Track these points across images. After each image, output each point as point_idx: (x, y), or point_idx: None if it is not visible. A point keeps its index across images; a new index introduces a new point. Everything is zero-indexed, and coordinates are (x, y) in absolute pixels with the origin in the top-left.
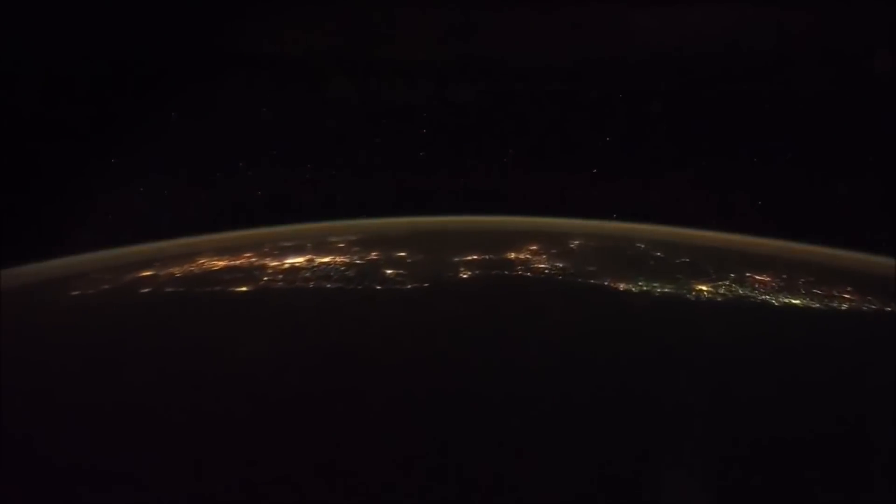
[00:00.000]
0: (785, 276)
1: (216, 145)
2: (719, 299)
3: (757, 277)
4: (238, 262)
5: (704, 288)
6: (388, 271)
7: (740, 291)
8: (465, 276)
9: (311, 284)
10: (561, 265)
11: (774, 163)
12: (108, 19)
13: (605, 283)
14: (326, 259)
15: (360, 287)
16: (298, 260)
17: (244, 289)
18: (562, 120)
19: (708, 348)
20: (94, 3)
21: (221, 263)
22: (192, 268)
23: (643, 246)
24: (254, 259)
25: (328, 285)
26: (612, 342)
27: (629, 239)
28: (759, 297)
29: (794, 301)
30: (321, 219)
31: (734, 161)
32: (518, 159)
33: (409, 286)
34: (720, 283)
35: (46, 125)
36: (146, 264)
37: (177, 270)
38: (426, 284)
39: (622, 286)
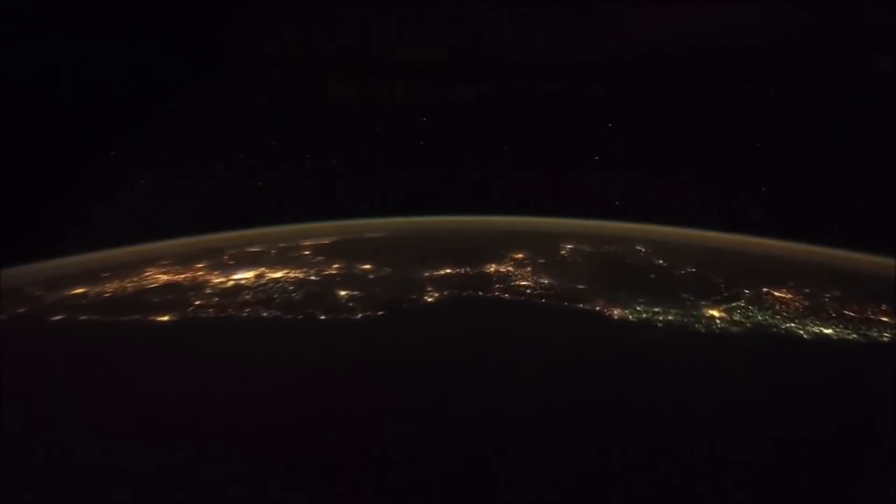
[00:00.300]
0: (807, 291)
1: (204, 146)
2: (735, 330)
3: (775, 294)
4: (183, 276)
5: (716, 313)
6: (342, 293)
7: (759, 317)
8: (429, 300)
9: (245, 313)
10: (546, 281)
11: (776, 162)
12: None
13: (597, 309)
14: (279, 274)
15: (299, 317)
16: (247, 275)
17: (165, 318)
18: (560, 118)
19: (728, 413)
20: (90, 4)
21: (165, 278)
22: (128, 285)
23: (643, 250)
24: (202, 272)
25: (264, 314)
26: (600, 407)
27: (628, 241)
28: (783, 326)
29: (825, 330)
30: (307, 219)
31: (736, 160)
32: (516, 158)
33: (358, 315)
34: (733, 303)
35: (26, 126)
36: (89, 277)
37: (112, 287)
38: (380, 313)
39: (617, 312)
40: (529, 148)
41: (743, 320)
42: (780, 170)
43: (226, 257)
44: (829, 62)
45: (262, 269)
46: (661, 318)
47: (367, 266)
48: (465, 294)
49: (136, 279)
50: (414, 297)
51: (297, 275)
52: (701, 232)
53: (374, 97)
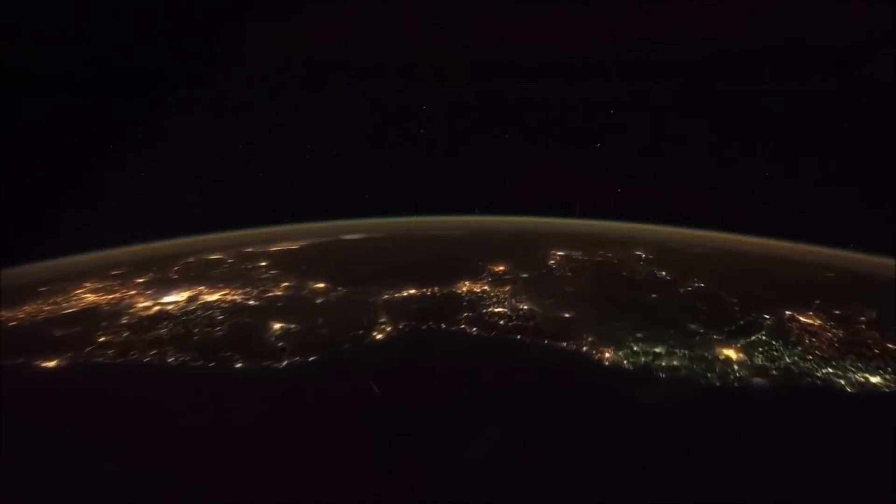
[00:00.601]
0: (837, 314)
1: (193, 148)
2: (759, 382)
3: (801, 319)
4: (112, 296)
5: (733, 354)
6: (277, 325)
7: (786, 359)
8: (378, 338)
9: (148, 356)
10: (526, 307)
11: (775, 161)
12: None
13: (584, 350)
14: (215, 296)
15: (210, 364)
16: (179, 298)
17: (52, 363)
18: (559, 119)
19: None
20: (90, 6)
21: (91, 298)
22: (47, 307)
23: (643, 257)
24: (136, 290)
25: (170, 359)
26: None
27: (626, 245)
28: (819, 373)
29: (872, 378)
30: (295, 220)
31: (735, 159)
32: (511, 157)
33: (283, 363)
34: (753, 336)
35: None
36: (23, 293)
37: (27, 311)
38: (311, 358)
39: (609, 355)
40: (525, 148)
41: (767, 364)
42: (780, 169)
43: (177, 268)
44: (829, 62)
45: (202, 287)
46: (663, 363)
47: (321, 284)
48: (423, 327)
49: (61, 299)
50: (361, 332)
51: (235, 297)
52: (701, 232)
53: (368, 97)
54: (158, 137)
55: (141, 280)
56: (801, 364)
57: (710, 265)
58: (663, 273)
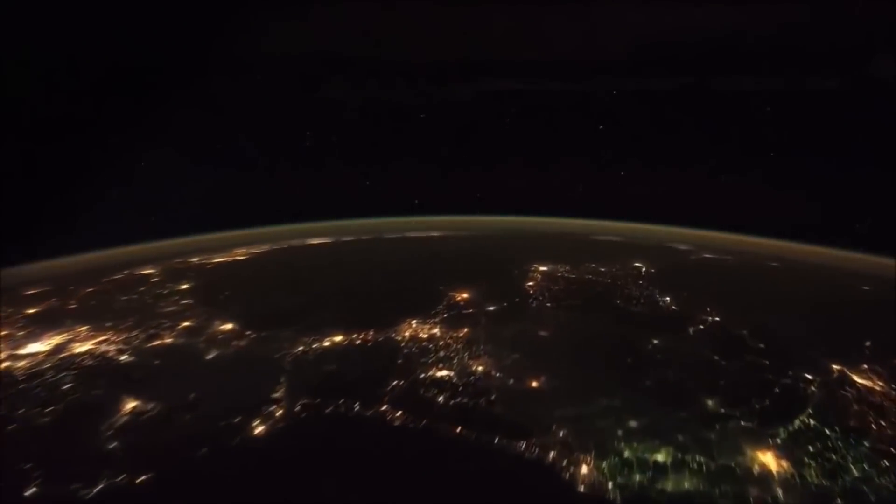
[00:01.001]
0: None
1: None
2: None
3: (855, 379)
4: None
5: (772, 462)
6: (130, 405)
7: (852, 467)
8: (255, 434)
9: None
10: (482, 368)
11: (779, 162)
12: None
13: (550, 457)
14: (86, 346)
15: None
16: (41, 349)
17: None
18: (558, 118)
19: None
20: (91, 7)
21: None
22: None
23: (643, 273)
24: (3, 332)
25: None
26: None
27: (625, 253)
28: None
29: None
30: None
31: (734, 158)
32: (505, 156)
33: (98, 487)
34: (797, 420)
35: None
36: None
37: None
38: (140, 479)
39: (586, 468)
40: (523, 147)
41: (825, 483)
42: (780, 169)
43: (89, 290)
44: (829, 62)
45: (84, 328)
46: (668, 488)
47: (227, 326)
48: (328, 410)
49: None
50: (237, 420)
51: (110, 347)
52: (702, 232)
53: (363, 96)
54: (131, 137)
55: (32, 310)
56: (876, 479)
57: (723, 281)
58: (667, 299)
